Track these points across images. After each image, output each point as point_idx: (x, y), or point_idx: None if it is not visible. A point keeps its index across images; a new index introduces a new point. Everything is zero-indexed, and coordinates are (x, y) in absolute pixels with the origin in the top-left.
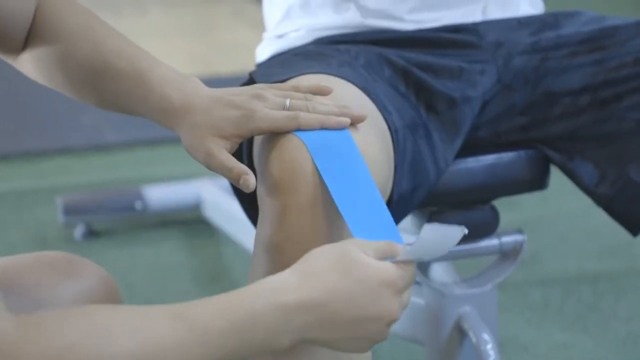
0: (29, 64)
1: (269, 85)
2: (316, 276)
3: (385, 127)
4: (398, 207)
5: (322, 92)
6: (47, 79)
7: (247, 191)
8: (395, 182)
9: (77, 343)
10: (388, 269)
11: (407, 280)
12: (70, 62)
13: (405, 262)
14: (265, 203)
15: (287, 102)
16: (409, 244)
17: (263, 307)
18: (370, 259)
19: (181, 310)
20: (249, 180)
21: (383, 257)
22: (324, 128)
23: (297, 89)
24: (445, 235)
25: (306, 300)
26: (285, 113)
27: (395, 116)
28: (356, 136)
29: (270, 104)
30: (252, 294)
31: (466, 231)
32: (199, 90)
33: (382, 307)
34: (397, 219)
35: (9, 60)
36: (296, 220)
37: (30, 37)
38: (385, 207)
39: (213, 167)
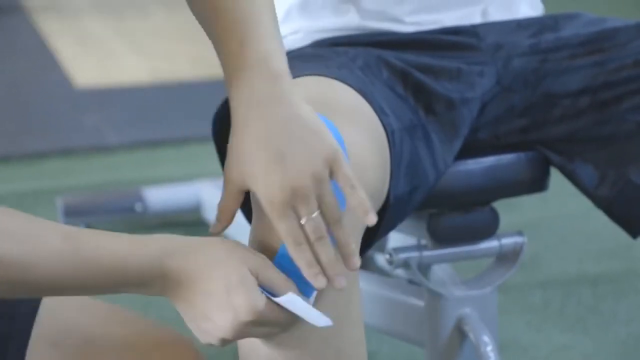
0: None
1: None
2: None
3: (381, 129)
4: (395, 209)
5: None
6: None
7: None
8: (392, 185)
9: None
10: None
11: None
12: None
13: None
14: (256, 204)
15: (304, 220)
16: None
17: (147, 261)
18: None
19: (76, 234)
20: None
21: (269, 286)
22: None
23: (324, 205)
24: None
25: (176, 274)
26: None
27: (392, 118)
28: (346, 137)
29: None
30: (142, 245)
31: (330, 324)
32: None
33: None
34: (395, 221)
35: None
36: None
37: None
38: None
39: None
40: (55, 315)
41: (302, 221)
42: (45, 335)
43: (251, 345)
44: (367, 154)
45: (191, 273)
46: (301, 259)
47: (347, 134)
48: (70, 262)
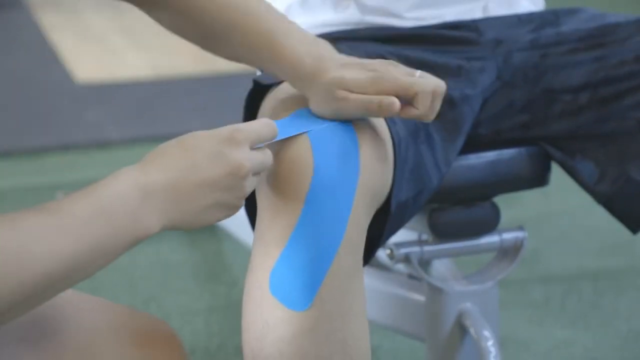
0: (160, 17)
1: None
2: (162, 157)
3: (388, 137)
4: (398, 214)
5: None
6: (180, 32)
7: (395, 111)
8: (394, 192)
9: None
10: (222, 129)
11: (251, 132)
12: (199, 18)
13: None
14: (262, 199)
15: (418, 73)
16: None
17: (123, 187)
18: (206, 132)
19: (56, 206)
20: (394, 103)
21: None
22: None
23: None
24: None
25: (157, 179)
26: (412, 79)
27: (399, 126)
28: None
29: (401, 69)
30: (112, 179)
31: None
32: (331, 54)
33: (225, 160)
34: (398, 225)
35: (142, 10)
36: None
37: None
38: None
39: (350, 109)
40: None
41: (417, 73)
42: (12, 330)
43: (257, 340)
44: (375, 161)
45: (177, 158)
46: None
47: (360, 139)
48: (54, 228)
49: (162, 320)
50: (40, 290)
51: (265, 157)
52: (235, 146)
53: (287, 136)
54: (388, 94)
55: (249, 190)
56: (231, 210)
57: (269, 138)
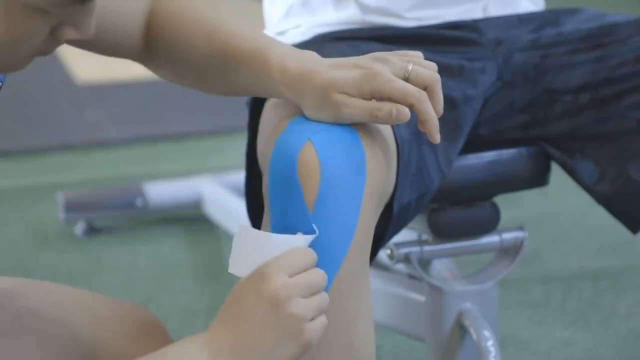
0: (157, 68)
1: (393, 52)
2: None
3: (392, 139)
4: (399, 218)
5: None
6: (177, 78)
7: (404, 121)
8: (397, 195)
9: None
10: (268, 280)
11: (281, 264)
12: (192, 56)
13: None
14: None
15: (410, 66)
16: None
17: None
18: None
19: None
20: (403, 110)
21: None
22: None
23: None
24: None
25: (222, 338)
26: (406, 86)
27: (402, 127)
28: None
29: (392, 66)
30: (180, 345)
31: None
32: (318, 59)
33: (261, 299)
34: (400, 227)
35: (138, 62)
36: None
37: (150, 39)
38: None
39: (350, 115)
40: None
41: (409, 67)
42: None
43: None
44: (380, 163)
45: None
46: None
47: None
48: None
49: (140, 305)
50: None
51: (309, 277)
52: (267, 281)
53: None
54: (382, 93)
55: (311, 335)
56: (297, 342)
57: (306, 265)
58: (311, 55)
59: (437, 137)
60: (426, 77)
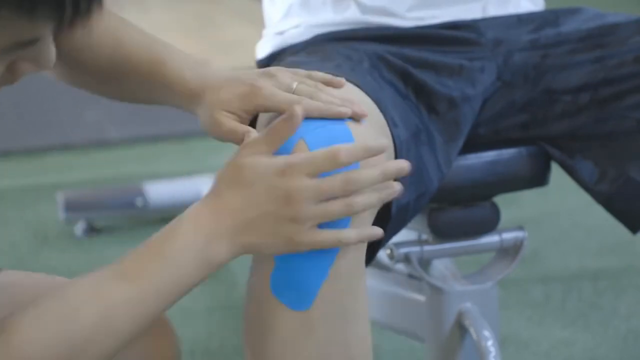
0: (61, 72)
1: (285, 69)
2: (220, 199)
3: (391, 142)
4: (398, 218)
5: (334, 84)
6: (77, 83)
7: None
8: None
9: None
10: (278, 159)
11: (306, 164)
12: (96, 61)
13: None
14: None
15: (295, 84)
16: None
17: (188, 238)
18: (259, 157)
19: (122, 270)
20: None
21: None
22: (322, 117)
23: (310, 77)
24: None
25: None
26: (290, 96)
27: (400, 128)
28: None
29: (277, 83)
30: (170, 231)
31: None
32: (214, 72)
33: (279, 192)
34: (399, 227)
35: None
36: None
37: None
38: None
39: (222, 135)
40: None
41: (294, 85)
42: None
43: (258, 341)
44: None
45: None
46: (313, 107)
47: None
48: (134, 293)
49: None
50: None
51: (324, 184)
52: (289, 177)
53: None
54: (267, 107)
55: (308, 218)
56: (293, 238)
57: (327, 167)
58: (209, 70)
59: (347, 113)
60: (311, 93)
